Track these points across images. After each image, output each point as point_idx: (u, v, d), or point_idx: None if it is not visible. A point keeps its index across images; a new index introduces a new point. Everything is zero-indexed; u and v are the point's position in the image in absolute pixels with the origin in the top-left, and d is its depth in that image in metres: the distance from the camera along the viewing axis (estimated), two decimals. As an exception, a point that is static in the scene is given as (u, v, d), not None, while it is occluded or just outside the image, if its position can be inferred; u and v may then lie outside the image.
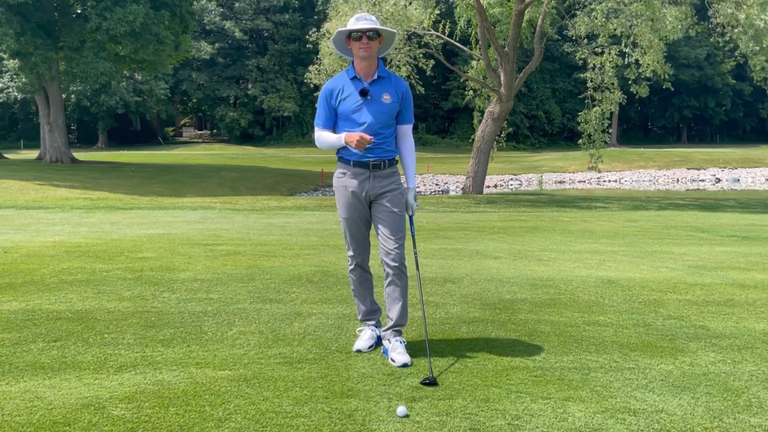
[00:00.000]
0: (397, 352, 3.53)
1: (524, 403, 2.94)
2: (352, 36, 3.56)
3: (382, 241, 3.65)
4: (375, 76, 3.62)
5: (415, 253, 3.78)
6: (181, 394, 2.98)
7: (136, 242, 7.74)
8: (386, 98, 3.60)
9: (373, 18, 3.62)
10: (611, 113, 21.13)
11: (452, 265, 6.37)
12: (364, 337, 3.77)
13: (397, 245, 3.61)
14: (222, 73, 55.65)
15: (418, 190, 28.98)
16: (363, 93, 3.57)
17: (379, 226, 3.66)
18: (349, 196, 3.66)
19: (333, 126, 3.68)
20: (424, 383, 3.17)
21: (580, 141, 21.87)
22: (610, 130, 22.14)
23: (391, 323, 3.66)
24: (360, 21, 3.56)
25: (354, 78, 3.62)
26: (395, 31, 3.85)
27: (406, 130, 3.74)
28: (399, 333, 3.66)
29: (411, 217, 3.75)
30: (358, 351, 3.66)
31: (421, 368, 3.38)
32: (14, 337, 3.82)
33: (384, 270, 3.66)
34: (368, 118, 3.58)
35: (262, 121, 56.84)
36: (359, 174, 3.63)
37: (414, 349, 3.67)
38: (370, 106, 3.59)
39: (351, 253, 3.78)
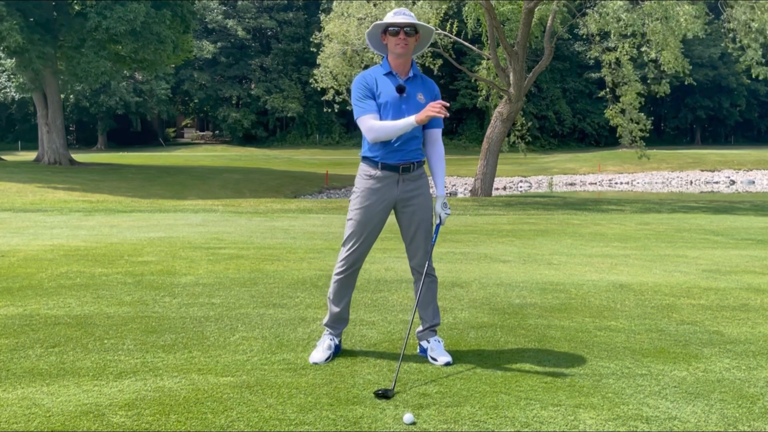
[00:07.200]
0: (437, 352, 3.55)
1: (534, 410, 2.89)
2: (388, 31, 3.43)
3: (410, 247, 3.58)
4: (410, 74, 3.49)
5: (430, 259, 3.59)
6: (183, 401, 2.94)
7: (137, 246, 7.71)
8: (420, 98, 3.47)
9: (411, 13, 3.47)
10: (640, 105, 21.03)
11: (460, 269, 6.31)
12: (323, 347, 3.56)
13: (426, 252, 3.55)
14: (224, 72, 54.88)
15: None
16: (400, 90, 3.43)
17: (408, 232, 3.57)
18: (373, 201, 3.49)
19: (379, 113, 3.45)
20: (377, 394, 2.99)
21: (619, 139, 21.71)
22: (645, 125, 21.94)
23: (426, 324, 3.64)
24: (398, 15, 3.42)
25: (389, 73, 3.48)
26: (433, 28, 3.69)
27: (437, 135, 3.56)
28: (435, 332, 3.65)
29: (438, 226, 3.55)
30: (315, 363, 3.45)
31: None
32: (11, 343, 3.79)
33: (414, 275, 3.63)
34: (405, 116, 3.42)
35: (265, 121, 56.16)
36: (387, 177, 3.48)
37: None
38: (406, 104, 3.44)
39: (347, 256, 3.55)
